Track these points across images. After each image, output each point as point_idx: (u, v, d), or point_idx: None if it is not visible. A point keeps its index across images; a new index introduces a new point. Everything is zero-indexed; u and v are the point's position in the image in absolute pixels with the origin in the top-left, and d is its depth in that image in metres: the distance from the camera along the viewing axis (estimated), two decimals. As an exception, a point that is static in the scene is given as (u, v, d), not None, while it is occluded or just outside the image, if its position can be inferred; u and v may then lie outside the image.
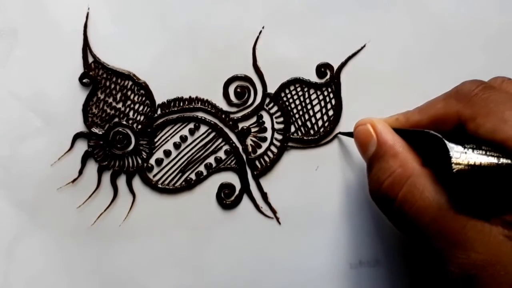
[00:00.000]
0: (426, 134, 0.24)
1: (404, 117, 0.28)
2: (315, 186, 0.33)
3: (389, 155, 0.25)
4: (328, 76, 0.33)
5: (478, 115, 0.23)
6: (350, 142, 0.33)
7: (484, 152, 0.22)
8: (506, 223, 0.21)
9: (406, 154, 0.25)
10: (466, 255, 0.22)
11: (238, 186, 0.33)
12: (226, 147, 0.33)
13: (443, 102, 0.26)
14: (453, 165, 0.22)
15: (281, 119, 0.33)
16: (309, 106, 0.33)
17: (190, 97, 0.33)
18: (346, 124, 0.33)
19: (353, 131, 0.30)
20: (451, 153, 0.22)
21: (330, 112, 0.33)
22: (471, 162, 0.22)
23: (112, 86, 0.33)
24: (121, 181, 0.33)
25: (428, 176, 0.24)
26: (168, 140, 0.33)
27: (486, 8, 0.33)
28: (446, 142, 0.22)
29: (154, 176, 0.33)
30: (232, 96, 0.33)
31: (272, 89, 0.33)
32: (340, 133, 0.33)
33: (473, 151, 0.22)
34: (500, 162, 0.22)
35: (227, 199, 0.33)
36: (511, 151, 0.22)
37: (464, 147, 0.22)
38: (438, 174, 0.24)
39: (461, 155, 0.22)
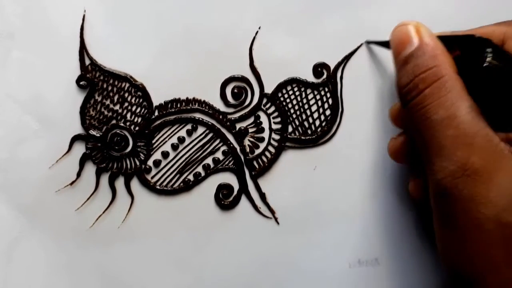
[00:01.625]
0: (469, 38, 0.25)
1: (449, 32, 0.28)
2: (313, 186, 0.33)
3: (428, 55, 0.25)
4: (324, 76, 0.33)
5: None
6: (350, 142, 0.33)
7: None
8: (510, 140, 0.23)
9: (444, 57, 0.25)
10: (466, 156, 0.22)
11: (236, 186, 0.33)
12: (224, 147, 0.33)
13: (494, 25, 0.28)
14: (486, 59, 0.23)
15: (278, 119, 0.33)
16: (306, 106, 0.33)
17: (187, 98, 0.33)
18: (344, 123, 0.33)
19: (385, 40, 0.29)
20: (488, 50, 0.24)
21: (327, 112, 0.33)
22: (501, 66, 0.24)
23: (109, 88, 0.33)
24: (120, 183, 0.33)
25: (459, 82, 0.24)
26: (166, 141, 0.33)
27: (483, 7, 0.33)
28: (491, 42, 0.24)
29: (152, 177, 0.33)
30: (229, 97, 0.33)
31: (269, 89, 0.33)
32: (368, 42, 0.33)
33: (507, 62, 0.24)
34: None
35: (225, 199, 0.33)
36: None
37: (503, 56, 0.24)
38: (468, 83, 0.24)
39: (496, 58, 0.24)
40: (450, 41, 0.26)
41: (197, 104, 0.33)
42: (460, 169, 0.23)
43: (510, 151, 0.23)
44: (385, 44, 0.31)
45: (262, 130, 0.33)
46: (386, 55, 0.33)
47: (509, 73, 0.24)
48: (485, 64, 0.24)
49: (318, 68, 0.33)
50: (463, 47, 0.26)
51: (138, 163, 0.33)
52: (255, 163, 0.33)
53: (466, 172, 0.22)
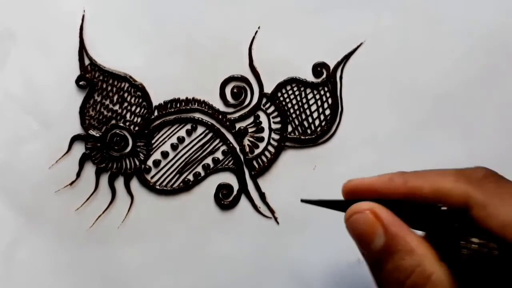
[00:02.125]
0: (431, 209, 0.22)
1: (401, 179, 0.24)
2: (313, 185, 0.33)
3: (404, 252, 0.22)
4: (324, 76, 0.33)
5: (490, 204, 0.21)
6: (350, 141, 0.33)
7: (484, 244, 0.21)
8: None
9: (421, 249, 0.22)
10: None
11: (236, 186, 0.33)
12: (224, 147, 0.33)
13: (453, 178, 0.23)
14: (462, 251, 0.21)
15: (278, 119, 0.33)
16: (305, 106, 0.33)
17: (187, 98, 0.33)
18: (343, 123, 0.33)
19: (335, 200, 0.26)
20: (460, 243, 0.21)
21: (327, 111, 0.33)
22: (476, 251, 0.21)
23: (109, 88, 0.33)
24: (119, 183, 0.33)
25: (447, 272, 0.22)
26: (166, 141, 0.33)
27: (482, 8, 0.33)
28: (458, 227, 0.21)
29: (152, 177, 0.33)
30: (229, 97, 0.33)
31: (268, 89, 0.33)
32: (303, 200, 0.27)
33: (479, 239, 0.21)
34: (496, 255, 0.20)
35: (225, 199, 0.33)
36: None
37: (472, 235, 0.21)
38: (443, 253, 0.22)
39: (467, 243, 0.21)
40: (410, 212, 0.23)
41: (196, 104, 0.33)
42: None
43: None
44: (324, 204, 0.26)
45: (262, 129, 0.33)
46: (386, 55, 0.33)
47: (489, 255, 0.20)
48: (462, 258, 0.20)
49: (318, 68, 0.33)
50: (427, 221, 0.22)
51: (137, 163, 0.33)
52: (254, 162, 0.33)
53: None
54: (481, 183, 0.22)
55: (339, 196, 0.33)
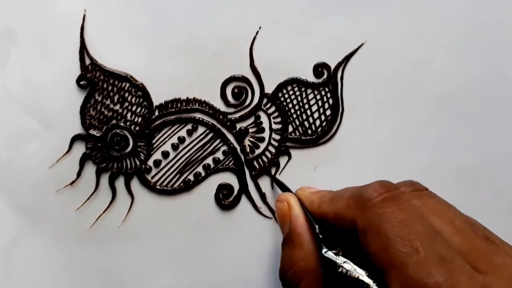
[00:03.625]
0: (315, 231, 0.25)
1: (318, 201, 0.27)
2: (314, 185, 0.33)
3: (295, 245, 0.25)
4: (325, 76, 0.33)
5: (368, 231, 0.22)
6: (350, 142, 0.33)
7: (351, 267, 0.22)
8: None
9: (309, 246, 0.25)
10: None
11: (236, 186, 0.33)
12: (224, 147, 0.33)
13: (346, 203, 0.24)
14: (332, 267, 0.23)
15: (278, 119, 0.33)
16: (306, 106, 0.33)
17: (187, 98, 0.33)
18: (343, 124, 0.33)
19: (283, 185, 0.31)
20: (324, 252, 0.23)
21: (328, 112, 0.33)
22: (340, 269, 0.22)
23: (110, 88, 0.33)
24: (120, 183, 0.33)
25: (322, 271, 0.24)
26: (166, 141, 0.33)
27: (483, 7, 0.33)
28: (323, 251, 0.23)
29: (153, 177, 0.33)
30: (230, 97, 0.33)
31: (269, 89, 0.33)
32: (275, 180, 0.33)
33: (344, 263, 0.23)
34: (362, 281, 0.22)
35: (225, 199, 0.33)
36: (384, 279, 0.21)
37: (338, 255, 0.23)
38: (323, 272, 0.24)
39: (336, 263, 0.23)
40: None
41: (197, 104, 0.33)
42: None
43: None
44: (282, 187, 0.31)
45: (263, 130, 0.33)
46: (387, 55, 0.33)
47: (346, 278, 0.22)
48: (336, 275, 0.23)
49: (319, 68, 0.33)
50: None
51: (138, 163, 0.33)
52: (255, 163, 0.33)
53: None
54: (366, 208, 0.22)
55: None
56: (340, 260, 0.23)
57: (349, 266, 0.22)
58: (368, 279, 0.22)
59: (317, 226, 0.25)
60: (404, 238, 0.20)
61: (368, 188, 0.23)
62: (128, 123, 0.33)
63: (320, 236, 0.24)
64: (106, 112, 0.33)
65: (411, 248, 0.20)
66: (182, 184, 0.33)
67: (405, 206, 0.22)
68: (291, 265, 0.25)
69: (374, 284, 0.21)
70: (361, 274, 0.22)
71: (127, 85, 0.32)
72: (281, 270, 0.26)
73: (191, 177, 0.33)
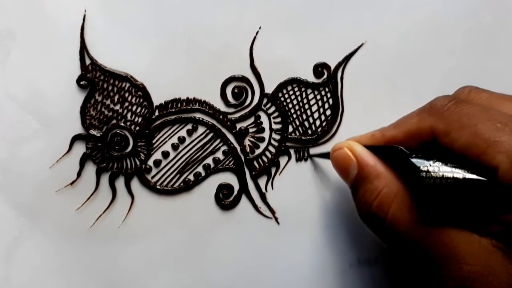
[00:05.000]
0: (395, 150, 0.24)
1: (380, 133, 0.27)
2: (314, 185, 0.33)
3: (372, 177, 0.25)
4: (325, 76, 0.33)
5: (452, 129, 0.23)
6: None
7: (450, 170, 0.22)
8: (493, 234, 0.21)
9: (388, 173, 0.25)
10: (458, 267, 0.22)
11: (236, 186, 0.33)
12: (224, 147, 0.33)
13: (417, 117, 0.25)
14: (421, 180, 0.22)
15: (278, 119, 0.33)
16: (306, 106, 0.33)
17: (187, 98, 0.33)
18: (343, 124, 0.33)
19: (328, 152, 0.30)
20: (419, 168, 0.22)
21: (328, 112, 0.33)
22: (438, 178, 0.22)
23: (110, 88, 0.33)
24: (120, 183, 0.33)
25: (410, 195, 0.24)
26: (166, 141, 0.33)
27: (483, 7, 0.33)
28: (412, 160, 0.23)
29: (153, 177, 0.33)
30: (230, 97, 0.33)
31: (269, 89, 0.33)
32: (313, 155, 0.33)
33: (438, 168, 0.22)
34: (466, 177, 0.22)
35: (225, 199, 0.33)
36: (484, 165, 0.21)
37: (431, 163, 0.22)
38: (416, 192, 0.24)
39: (427, 174, 0.22)
40: (382, 151, 0.26)
41: (197, 104, 0.33)
42: (459, 282, 0.22)
43: (492, 244, 0.21)
44: (327, 156, 0.31)
45: (263, 130, 0.33)
46: (387, 55, 0.33)
47: (447, 184, 0.22)
48: (422, 187, 0.22)
49: (319, 68, 0.33)
50: (396, 158, 0.25)
51: (138, 163, 0.33)
52: (255, 163, 0.33)
53: (466, 283, 0.22)
54: (442, 114, 0.24)
55: (341, 195, 0.33)
56: (431, 163, 0.22)
57: (441, 165, 0.22)
58: (466, 173, 0.22)
59: (398, 146, 0.24)
60: (490, 119, 0.22)
61: (436, 100, 0.25)
62: (128, 123, 0.33)
63: (404, 149, 0.24)
64: (106, 112, 0.33)
65: (501, 124, 0.22)
66: (182, 184, 0.33)
67: (476, 102, 0.25)
68: (374, 196, 0.25)
69: (470, 173, 0.22)
70: (457, 172, 0.22)
71: (127, 85, 0.32)
72: (363, 207, 0.26)
73: (191, 177, 0.33)
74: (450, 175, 0.22)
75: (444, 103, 0.24)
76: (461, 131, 0.23)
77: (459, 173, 0.22)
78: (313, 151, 0.33)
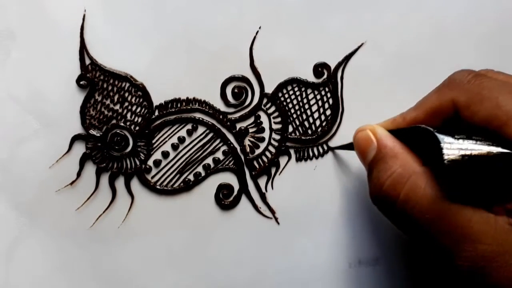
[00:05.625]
0: (417, 129, 0.24)
1: (401, 117, 0.28)
2: (314, 186, 0.33)
3: (389, 157, 0.25)
4: (325, 76, 0.33)
5: (472, 102, 0.23)
6: (349, 141, 0.33)
7: (474, 142, 0.22)
8: (509, 212, 0.21)
9: (406, 155, 0.25)
10: (473, 247, 0.21)
11: (236, 186, 0.33)
12: (224, 147, 0.33)
13: (436, 94, 0.26)
14: (444, 155, 0.21)
15: (278, 119, 0.33)
16: (306, 106, 0.33)
17: (187, 98, 0.33)
18: (343, 124, 0.33)
19: (349, 142, 0.30)
20: (442, 144, 0.22)
21: (328, 112, 0.33)
22: (462, 152, 0.22)
23: (110, 88, 0.33)
24: (120, 183, 0.33)
25: (429, 174, 0.24)
26: (166, 141, 0.33)
27: (483, 7, 0.33)
28: (436, 133, 0.22)
29: (153, 177, 0.33)
30: (230, 97, 0.33)
31: (269, 89, 0.33)
32: (334, 148, 0.33)
33: (463, 141, 0.22)
34: (490, 151, 0.21)
35: (225, 199, 0.33)
36: (506, 137, 0.21)
37: (455, 138, 0.22)
38: (436, 170, 0.23)
39: (452, 146, 0.22)
40: (404, 134, 0.26)
41: (197, 104, 0.33)
42: (474, 263, 0.21)
43: (509, 222, 0.21)
44: (349, 147, 0.31)
45: (263, 130, 0.33)
46: (386, 55, 0.33)
47: (471, 158, 0.22)
48: (445, 161, 0.21)
49: (319, 68, 0.33)
50: (417, 139, 0.25)
51: (138, 163, 0.33)
52: (255, 163, 0.33)
53: (481, 264, 0.21)
54: (462, 86, 0.24)
55: (341, 195, 0.33)
56: (455, 136, 0.22)
57: (465, 140, 0.22)
58: (490, 145, 0.22)
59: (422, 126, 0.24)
60: (511, 92, 0.22)
61: (455, 74, 0.26)
62: (128, 123, 0.33)
63: (426, 126, 0.23)
64: (106, 112, 0.33)
65: None
66: (182, 184, 0.33)
67: (495, 77, 0.24)
68: (388, 175, 0.24)
69: (494, 146, 0.22)
70: (481, 144, 0.22)
71: (127, 85, 0.32)
72: (375, 187, 0.25)
73: (191, 177, 0.33)
74: (474, 147, 0.22)
75: (464, 76, 0.24)
76: (482, 103, 0.23)
77: (483, 146, 0.22)
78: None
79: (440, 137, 0.22)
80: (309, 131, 0.33)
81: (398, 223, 0.25)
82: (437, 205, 0.23)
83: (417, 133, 0.24)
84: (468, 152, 0.22)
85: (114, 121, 0.33)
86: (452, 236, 0.22)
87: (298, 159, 0.33)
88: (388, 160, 0.25)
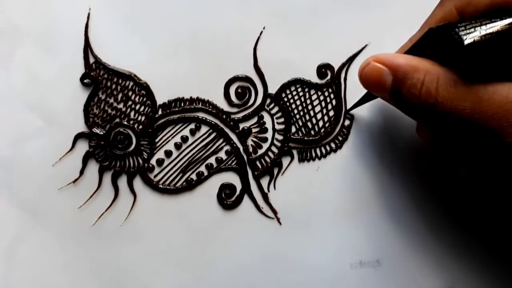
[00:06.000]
0: (430, 33, 0.25)
1: (409, 41, 0.28)
2: (316, 186, 0.33)
3: (411, 72, 0.25)
4: (328, 77, 0.33)
5: None
6: (353, 143, 0.33)
7: (489, 21, 0.23)
8: None
9: (423, 62, 0.25)
10: None
11: (239, 186, 0.33)
12: (227, 147, 0.33)
13: (438, 8, 0.27)
14: (464, 38, 0.22)
15: (282, 120, 0.33)
16: (309, 107, 0.33)
17: (191, 97, 0.33)
18: (346, 124, 0.33)
19: (360, 98, 0.31)
20: (458, 29, 0.23)
21: (331, 113, 0.33)
22: (480, 32, 0.22)
23: (113, 86, 0.33)
24: (122, 181, 0.33)
25: (452, 70, 0.24)
26: (169, 140, 0.33)
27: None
28: (450, 23, 0.23)
29: (155, 176, 0.33)
30: (233, 97, 0.33)
31: (273, 89, 0.33)
32: (349, 109, 0.33)
33: (478, 24, 0.23)
34: (507, 23, 0.22)
35: (228, 199, 0.33)
36: None
37: (469, 23, 0.23)
38: (458, 64, 0.24)
39: (468, 29, 0.23)
40: (415, 50, 0.26)
41: (200, 103, 0.33)
42: None
43: None
44: (363, 100, 0.31)
45: (266, 130, 0.33)
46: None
47: (491, 35, 0.23)
48: (465, 42, 0.22)
49: (322, 69, 0.33)
50: (430, 46, 0.25)
51: (141, 161, 0.33)
52: (258, 163, 0.33)
53: None
54: None
55: (343, 196, 0.33)
56: (469, 21, 0.23)
57: (478, 21, 0.23)
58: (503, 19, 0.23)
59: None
60: None
61: None
62: (131, 122, 0.33)
63: (439, 24, 0.24)
64: (109, 111, 0.33)
65: None
66: (184, 183, 0.33)
67: None
68: (419, 86, 0.25)
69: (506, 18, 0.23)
70: (496, 21, 0.23)
71: (131, 83, 0.33)
72: (411, 103, 0.25)
73: (193, 176, 0.33)
74: (489, 25, 0.22)
75: None
76: None
77: (498, 22, 0.22)
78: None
79: (455, 24, 0.23)
80: (312, 132, 0.33)
81: (443, 127, 0.26)
82: (474, 93, 0.23)
83: (429, 39, 0.25)
84: (484, 32, 0.22)
85: (117, 120, 0.33)
86: (496, 116, 0.23)
87: (300, 160, 0.33)
88: (412, 75, 0.25)
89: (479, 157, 0.26)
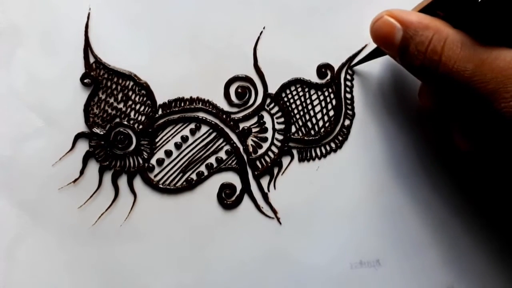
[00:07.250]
0: None
1: (424, 1, 0.28)
2: (316, 186, 0.33)
3: (420, 29, 0.25)
4: (328, 77, 0.33)
5: None
6: (353, 142, 0.33)
7: None
8: None
9: (435, 21, 0.25)
10: None
11: (239, 186, 0.33)
12: (227, 147, 0.33)
13: None
14: None
15: (282, 120, 0.33)
16: (309, 107, 0.33)
17: (191, 97, 0.33)
18: (346, 124, 0.33)
19: (368, 53, 0.31)
20: None
21: (331, 113, 0.33)
22: None
23: (113, 86, 0.33)
24: (122, 181, 0.33)
25: (462, 32, 0.25)
26: (169, 140, 0.33)
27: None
28: None
29: (155, 176, 0.33)
30: (233, 97, 0.33)
31: (273, 89, 0.33)
32: (355, 64, 0.33)
33: None
34: None
35: (228, 199, 0.33)
36: None
37: None
38: (469, 25, 0.24)
39: None
40: (428, 9, 0.27)
41: (201, 103, 0.33)
42: None
43: None
44: (370, 56, 0.31)
45: (266, 130, 0.33)
46: (389, 56, 0.33)
47: None
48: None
49: (322, 69, 0.33)
50: (444, 6, 0.26)
51: (141, 161, 0.33)
52: (258, 163, 0.33)
53: None
54: None
55: (343, 195, 0.33)
56: None
57: None
58: None
59: None
60: None
61: None
62: (131, 122, 0.33)
63: None
64: (109, 111, 0.33)
65: None
66: (184, 183, 0.33)
67: None
68: (427, 43, 0.25)
69: None
70: None
71: (131, 83, 0.33)
72: (416, 59, 0.26)
73: (193, 176, 0.33)
74: None
75: None
76: None
77: None
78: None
79: None
80: (312, 132, 0.33)
81: (442, 86, 0.26)
82: (477, 55, 0.24)
83: (440, 2, 0.25)
84: None
85: (117, 120, 0.33)
86: (495, 80, 0.23)
87: (300, 160, 0.33)
88: (422, 32, 0.25)
89: (477, 126, 0.27)
